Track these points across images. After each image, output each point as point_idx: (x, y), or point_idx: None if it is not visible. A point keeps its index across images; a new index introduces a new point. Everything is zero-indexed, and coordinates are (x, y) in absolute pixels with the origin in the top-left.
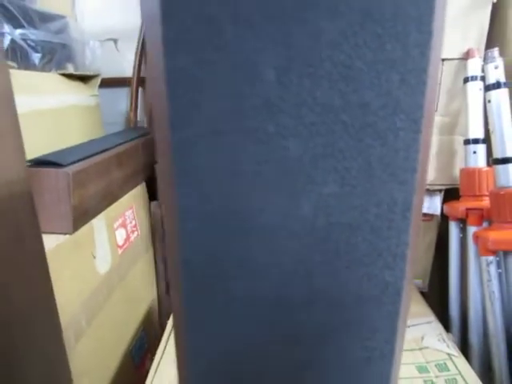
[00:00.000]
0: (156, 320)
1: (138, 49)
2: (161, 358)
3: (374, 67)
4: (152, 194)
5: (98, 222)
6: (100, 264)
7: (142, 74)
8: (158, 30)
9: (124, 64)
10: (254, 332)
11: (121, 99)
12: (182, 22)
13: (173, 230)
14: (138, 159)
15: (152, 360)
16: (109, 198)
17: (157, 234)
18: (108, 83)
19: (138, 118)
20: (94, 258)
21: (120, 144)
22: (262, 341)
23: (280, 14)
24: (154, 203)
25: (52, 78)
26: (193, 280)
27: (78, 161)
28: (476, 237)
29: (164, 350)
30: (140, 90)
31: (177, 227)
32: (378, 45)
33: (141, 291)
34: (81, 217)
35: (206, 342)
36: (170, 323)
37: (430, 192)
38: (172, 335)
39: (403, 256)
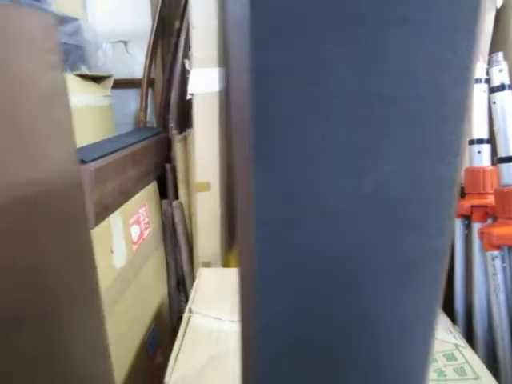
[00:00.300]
0: (166, 316)
1: (148, 51)
2: (180, 346)
3: (429, 65)
4: (162, 193)
5: (115, 218)
6: (116, 259)
7: (151, 76)
8: (246, 31)
9: (133, 65)
10: (317, 292)
11: (130, 100)
12: (269, 23)
13: (248, 207)
14: (150, 158)
15: (164, 354)
16: (124, 195)
17: (167, 231)
18: (117, 84)
19: (147, 119)
20: (112, 252)
21: (134, 143)
22: (324, 301)
23: (357, 18)
24: (164, 201)
25: (68, 79)
26: (265, 251)
27: (98, 158)
28: (481, 233)
29: (183, 338)
30: (149, 90)
31: (251, 205)
32: (434, 47)
33: (153, 287)
34: (101, 212)
35: (275, 296)
36: (186, 316)
37: None
38: (189, 326)
39: (447, 225)
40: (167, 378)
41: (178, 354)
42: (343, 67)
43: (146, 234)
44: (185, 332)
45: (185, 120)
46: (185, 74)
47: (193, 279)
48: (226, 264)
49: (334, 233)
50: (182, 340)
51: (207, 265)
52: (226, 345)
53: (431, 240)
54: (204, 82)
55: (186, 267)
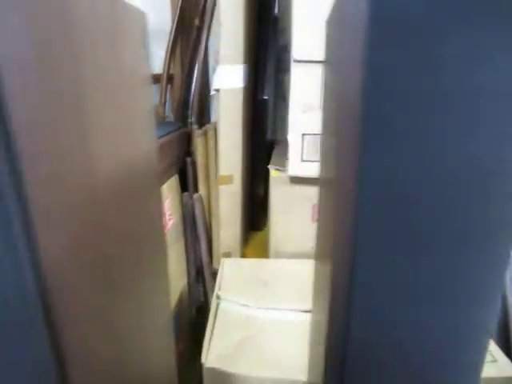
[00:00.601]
0: (186, 306)
1: (168, 47)
2: (212, 330)
3: None
4: (182, 186)
5: None
6: None
7: (170, 72)
8: (363, 31)
9: (152, 61)
10: (407, 254)
11: None
12: (386, 25)
13: (351, 189)
14: (174, 152)
15: (184, 343)
16: None
17: (188, 223)
18: None
19: (166, 114)
20: None
21: (160, 137)
22: (412, 263)
23: (464, 23)
24: (185, 194)
25: None
26: (369, 222)
27: None
28: None
29: (214, 323)
30: (168, 86)
31: (355, 186)
32: None
33: (173, 278)
34: None
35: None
36: (214, 302)
37: None
38: (218, 311)
39: None
40: (203, 359)
41: (210, 338)
42: (453, 66)
43: (169, 224)
44: (215, 317)
45: (202, 116)
46: (205, 71)
47: (211, 270)
48: (243, 255)
49: (436, 203)
50: (213, 324)
51: (227, 255)
52: (254, 328)
53: (508, 212)
54: (230, 78)
55: (204, 258)
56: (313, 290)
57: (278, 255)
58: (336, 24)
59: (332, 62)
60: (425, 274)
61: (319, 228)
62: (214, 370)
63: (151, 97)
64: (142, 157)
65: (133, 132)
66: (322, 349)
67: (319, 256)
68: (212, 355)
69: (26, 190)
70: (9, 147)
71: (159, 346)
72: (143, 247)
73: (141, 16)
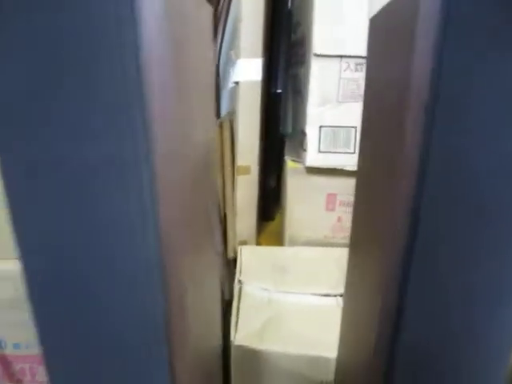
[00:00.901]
0: None
1: None
2: (238, 312)
3: None
4: None
5: None
6: None
7: None
8: (436, 30)
9: None
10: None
11: None
12: (458, 20)
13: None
14: None
15: None
16: None
17: None
18: None
19: None
20: None
21: None
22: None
23: None
24: None
25: None
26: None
27: None
28: None
29: (238, 305)
30: None
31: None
32: None
33: None
34: None
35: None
36: (237, 286)
37: None
38: (242, 294)
39: None
40: (232, 337)
41: (237, 318)
42: None
43: None
44: (239, 300)
45: (217, 108)
46: (219, 64)
47: (225, 260)
48: (258, 243)
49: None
50: (238, 307)
51: (243, 243)
52: (277, 310)
53: None
54: (249, 71)
55: (219, 247)
56: (346, 276)
57: (293, 243)
58: (391, 20)
59: (383, 56)
60: (483, 254)
61: (357, 218)
62: (242, 348)
63: (214, 87)
64: (211, 138)
65: (207, 117)
66: (369, 332)
67: (358, 244)
68: (240, 334)
69: (155, 165)
70: (147, 132)
71: (214, 320)
72: (210, 220)
73: (210, 13)
